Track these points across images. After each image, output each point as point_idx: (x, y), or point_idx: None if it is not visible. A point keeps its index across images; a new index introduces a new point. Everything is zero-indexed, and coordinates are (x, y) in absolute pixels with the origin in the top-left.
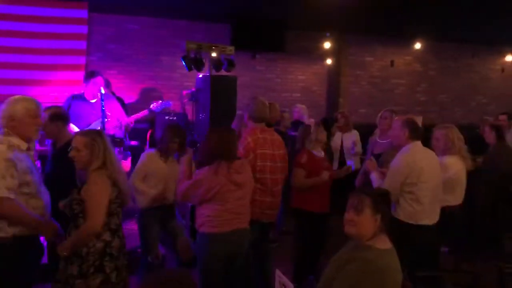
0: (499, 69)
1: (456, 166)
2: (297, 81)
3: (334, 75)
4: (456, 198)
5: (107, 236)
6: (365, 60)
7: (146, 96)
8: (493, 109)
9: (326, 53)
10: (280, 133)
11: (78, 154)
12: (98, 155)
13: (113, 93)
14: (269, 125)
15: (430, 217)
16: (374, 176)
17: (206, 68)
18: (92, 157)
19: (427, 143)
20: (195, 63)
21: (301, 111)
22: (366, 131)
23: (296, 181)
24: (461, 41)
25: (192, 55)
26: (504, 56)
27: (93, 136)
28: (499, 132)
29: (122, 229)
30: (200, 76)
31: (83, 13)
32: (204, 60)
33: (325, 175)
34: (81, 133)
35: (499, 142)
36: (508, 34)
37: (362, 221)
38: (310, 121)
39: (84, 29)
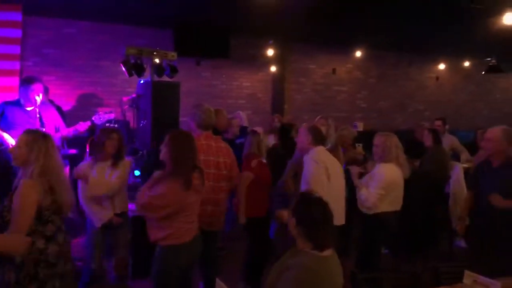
0: (434, 77)
1: (390, 173)
2: (243, 87)
3: (278, 82)
4: (390, 204)
5: (40, 244)
6: (308, 68)
7: (86, 103)
8: (429, 115)
9: (271, 60)
10: (228, 141)
11: (17, 151)
12: (37, 157)
13: (51, 101)
14: (217, 132)
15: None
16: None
17: (148, 74)
18: (30, 157)
19: (369, 148)
20: (136, 69)
21: (242, 117)
22: None
23: (243, 184)
24: (399, 50)
25: (133, 60)
26: (438, 65)
27: (36, 137)
28: (436, 135)
29: (64, 235)
30: (141, 82)
31: (17, 16)
32: (145, 66)
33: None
34: (27, 131)
35: (435, 145)
36: (441, 44)
37: (288, 222)
38: (258, 129)
39: (18, 33)
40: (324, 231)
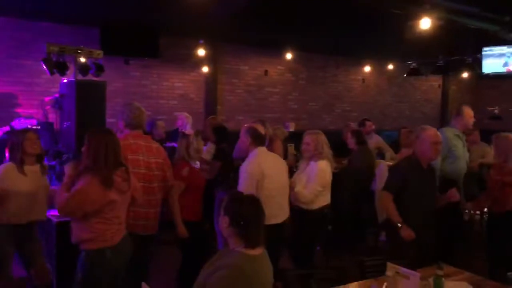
0: (360, 79)
1: (327, 169)
2: (174, 88)
3: (211, 82)
4: (325, 199)
5: None
6: (241, 69)
7: (5, 103)
8: (356, 116)
9: (203, 61)
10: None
11: None
12: None
13: None
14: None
15: (278, 217)
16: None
17: (72, 73)
18: None
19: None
20: (58, 67)
21: (185, 119)
22: None
23: (176, 193)
24: (327, 53)
25: (55, 58)
26: (364, 67)
27: None
28: (359, 137)
29: None
30: (65, 81)
31: None
32: (69, 64)
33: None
34: None
35: (360, 146)
36: (366, 48)
37: (220, 222)
38: (189, 131)
39: None
40: (256, 230)
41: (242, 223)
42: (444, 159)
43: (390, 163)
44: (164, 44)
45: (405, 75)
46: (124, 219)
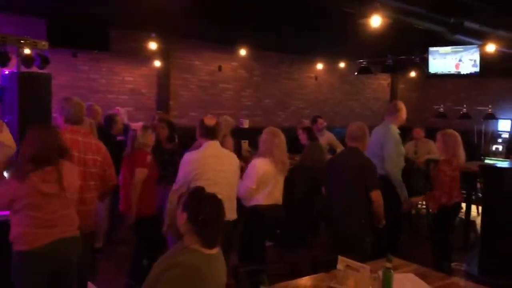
0: (313, 77)
1: (265, 167)
2: (124, 82)
3: (163, 77)
4: (268, 197)
5: None
6: (194, 64)
7: None
8: (309, 113)
9: (155, 55)
10: (110, 136)
11: None
12: None
13: None
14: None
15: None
16: None
17: (14, 65)
18: None
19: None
20: None
21: (121, 114)
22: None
23: (138, 181)
24: (281, 50)
25: None
26: (316, 65)
27: None
28: (310, 134)
29: None
30: (6, 72)
31: None
32: (10, 55)
33: None
34: None
35: (311, 142)
36: (319, 46)
37: (177, 217)
38: (138, 124)
39: None
40: (214, 229)
41: (201, 221)
42: (398, 155)
43: None
44: (114, 37)
45: (356, 73)
46: (59, 223)
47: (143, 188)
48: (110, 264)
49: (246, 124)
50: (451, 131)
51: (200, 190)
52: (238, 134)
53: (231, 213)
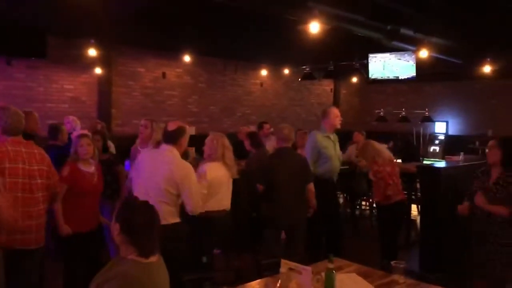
0: (259, 83)
1: (216, 171)
2: (64, 90)
3: (105, 85)
4: (218, 203)
5: None
6: (137, 71)
7: None
8: (255, 119)
9: (95, 62)
10: (58, 148)
11: None
12: None
13: None
14: (28, 136)
15: None
16: None
17: None
18: None
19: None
20: None
21: (73, 123)
22: None
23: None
24: (226, 57)
25: None
26: (261, 71)
27: None
28: (255, 139)
29: None
30: None
31: None
32: None
33: None
34: None
35: (256, 149)
36: (263, 52)
37: (111, 229)
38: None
39: None
40: (148, 238)
41: (132, 230)
42: (315, 161)
43: None
44: (52, 44)
45: (299, 80)
46: None
47: (71, 200)
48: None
49: (192, 131)
50: (367, 143)
51: (130, 199)
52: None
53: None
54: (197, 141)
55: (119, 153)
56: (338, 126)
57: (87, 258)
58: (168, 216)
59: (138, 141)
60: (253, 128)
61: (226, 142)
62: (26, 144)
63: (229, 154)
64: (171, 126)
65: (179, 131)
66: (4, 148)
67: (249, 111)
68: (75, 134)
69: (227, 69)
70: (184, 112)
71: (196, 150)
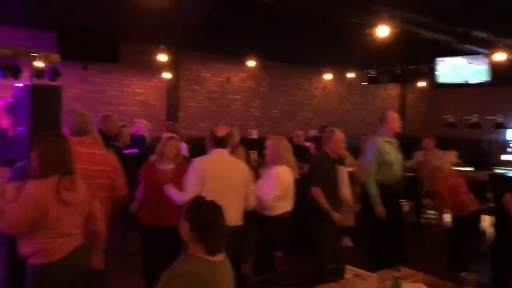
0: (321, 87)
1: (286, 174)
2: (135, 94)
3: (173, 89)
4: (287, 204)
5: None
6: (203, 76)
7: None
8: (316, 123)
9: (164, 67)
10: (116, 148)
11: None
12: None
13: None
14: (106, 138)
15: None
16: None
17: (27, 77)
18: None
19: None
20: (11, 70)
21: (142, 126)
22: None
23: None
24: (289, 61)
25: (8, 62)
26: (325, 75)
27: None
28: (319, 143)
29: None
30: (19, 85)
31: None
32: (22, 68)
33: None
34: None
35: (320, 152)
36: (327, 56)
37: (180, 227)
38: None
39: None
40: (216, 236)
41: (200, 229)
42: (378, 166)
43: (350, 169)
44: (124, 49)
45: (364, 83)
46: (77, 231)
47: (147, 197)
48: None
49: (254, 134)
50: (427, 160)
51: (199, 198)
52: (246, 144)
53: (236, 220)
54: (259, 145)
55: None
56: (398, 130)
57: (164, 251)
58: (240, 217)
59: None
60: (314, 132)
61: (287, 144)
62: (89, 145)
63: (291, 157)
64: (221, 132)
65: (229, 136)
66: None
67: (310, 115)
68: (165, 136)
69: (290, 73)
70: (246, 116)
71: (258, 153)
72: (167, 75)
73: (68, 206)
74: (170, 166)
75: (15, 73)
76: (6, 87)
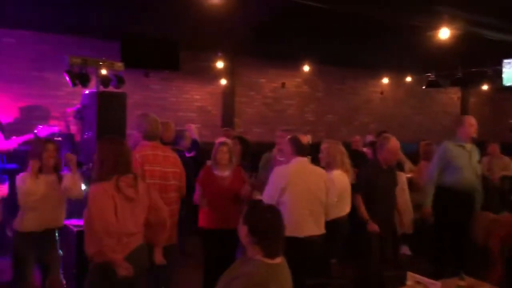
0: (379, 91)
1: (341, 179)
2: (193, 100)
3: (228, 95)
4: (344, 208)
5: None
6: (258, 81)
7: (27, 115)
8: (374, 128)
9: (221, 74)
10: (179, 152)
11: None
12: None
13: None
14: (163, 143)
15: (301, 230)
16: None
17: (93, 85)
18: None
19: (316, 160)
20: (80, 78)
21: (192, 131)
22: (260, 149)
23: (194, 197)
24: (345, 65)
25: (77, 70)
26: (382, 80)
27: None
28: (375, 149)
29: None
30: (86, 92)
31: None
32: (90, 76)
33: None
34: None
35: (373, 159)
36: (384, 60)
37: (239, 230)
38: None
39: None
40: (275, 239)
41: (259, 232)
42: (442, 170)
43: (409, 175)
44: (184, 56)
45: (423, 87)
46: (138, 230)
47: (211, 201)
48: (182, 276)
49: (308, 139)
50: None
51: (258, 202)
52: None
53: (308, 229)
54: (313, 150)
55: None
56: (473, 135)
57: (222, 254)
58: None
59: (274, 150)
60: (371, 138)
61: (342, 148)
62: (163, 148)
63: (347, 160)
64: (304, 140)
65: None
66: (144, 152)
67: (367, 120)
68: (217, 141)
69: (346, 77)
70: (301, 121)
71: (313, 159)
72: (223, 81)
73: (130, 202)
74: (226, 173)
75: (84, 81)
76: (75, 94)
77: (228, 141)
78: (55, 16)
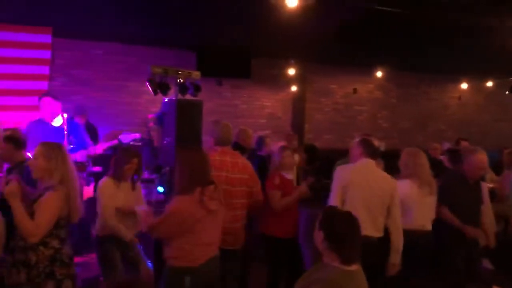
0: (456, 96)
1: (405, 189)
2: (263, 107)
3: (299, 101)
4: (409, 221)
5: (56, 244)
6: (329, 88)
7: (112, 122)
8: (451, 135)
9: (291, 80)
10: (261, 157)
11: (35, 162)
12: (56, 166)
13: (87, 120)
14: (243, 149)
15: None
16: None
17: (172, 93)
18: (49, 166)
19: (390, 167)
20: (161, 87)
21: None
22: (330, 156)
23: (273, 203)
24: (420, 70)
25: (158, 79)
26: (460, 84)
27: (52, 146)
28: (454, 157)
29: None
30: (166, 100)
31: (47, 38)
32: (170, 85)
33: (303, 188)
34: (41, 143)
35: (455, 166)
36: (463, 64)
37: (315, 236)
38: (278, 144)
39: (47, 54)
40: (351, 246)
41: (336, 238)
42: None
43: (491, 185)
44: (255, 64)
45: (506, 92)
46: (216, 240)
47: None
48: (249, 281)
49: (382, 146)
50: None
51: (333, 208)
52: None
53: (374, 230)
54: (386, 157)
55: None
56: None
57: (289, 262)
58: (378, 229)
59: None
60: (448, 145)
61: (419, 159)
62: (232, 154)
63: (425, 171)
64: (376, 143)
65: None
66: (212, 158)
67: (444, 127)
68: (278, 145)
69: (420, 82)
70: (373, 127)
71: (384, 166)
72: (293, 88)
73: (212, 214)
74: (290, 176)
75: (165, 90)
76: (154, 102)
77: (286, 145)
78: (138, 29)
